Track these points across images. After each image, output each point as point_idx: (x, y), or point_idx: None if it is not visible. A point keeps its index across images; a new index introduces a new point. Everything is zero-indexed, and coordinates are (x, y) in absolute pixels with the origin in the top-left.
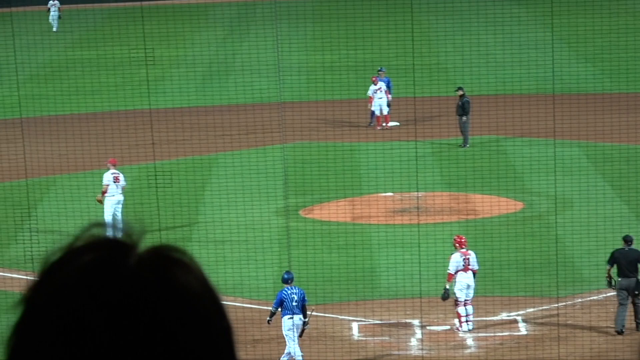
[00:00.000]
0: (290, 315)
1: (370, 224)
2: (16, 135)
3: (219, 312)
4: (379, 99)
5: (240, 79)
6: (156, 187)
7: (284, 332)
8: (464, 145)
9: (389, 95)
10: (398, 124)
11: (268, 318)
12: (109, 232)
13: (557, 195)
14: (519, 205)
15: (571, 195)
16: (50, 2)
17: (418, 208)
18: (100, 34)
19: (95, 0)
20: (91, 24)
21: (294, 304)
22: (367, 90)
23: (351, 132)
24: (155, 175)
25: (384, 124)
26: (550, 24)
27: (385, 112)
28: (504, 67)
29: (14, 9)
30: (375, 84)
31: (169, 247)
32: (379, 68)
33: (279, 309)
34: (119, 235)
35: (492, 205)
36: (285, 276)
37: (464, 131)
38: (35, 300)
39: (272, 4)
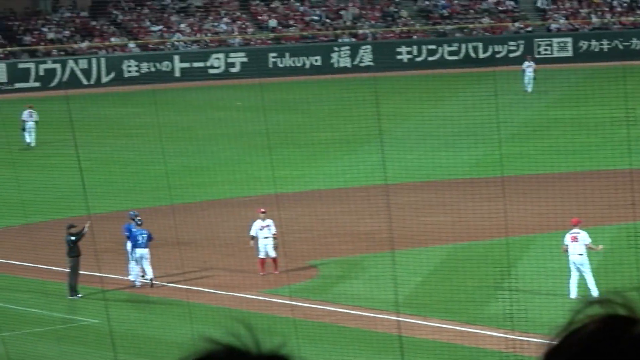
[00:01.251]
0: None
1: None
2: (497, 193)
3: None
4: None
5: None
6: (636, 247)
7: None
8: None
9: None
10: None
11: None
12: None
13: None
14: None
15: None
16: (526, 63)
17: None
18: (581, 93)
19: (569, 60)
20: (569, 84)
21: None
22: None
23: None
24: (635, 235)
25: None
26: None
27: None
28: None
29: (496, 68)
30: None
31: None
32: None
33: None
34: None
35: None
36: None
37: None
38: None
39: None
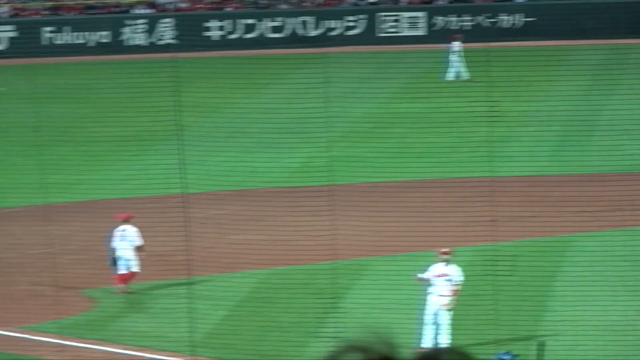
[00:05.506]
0: None
1: None
2: (324, 206)
3: None
4: None
5: (606, 141)
6: (494, 274)
7: None
8: None
9: None
10: None
11: None
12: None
13: None
14: None
15: None
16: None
17: None
18: (432, 81)
19: (423, 40)
20: (419, 69)
21: None
22: None
23: None
24: (494, 259)
25: None
26: None
27: None
28: None
29: (330, 49)
30: None
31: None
32: None
33: None
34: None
35: None
36: None
37: None
38: None
39: None
